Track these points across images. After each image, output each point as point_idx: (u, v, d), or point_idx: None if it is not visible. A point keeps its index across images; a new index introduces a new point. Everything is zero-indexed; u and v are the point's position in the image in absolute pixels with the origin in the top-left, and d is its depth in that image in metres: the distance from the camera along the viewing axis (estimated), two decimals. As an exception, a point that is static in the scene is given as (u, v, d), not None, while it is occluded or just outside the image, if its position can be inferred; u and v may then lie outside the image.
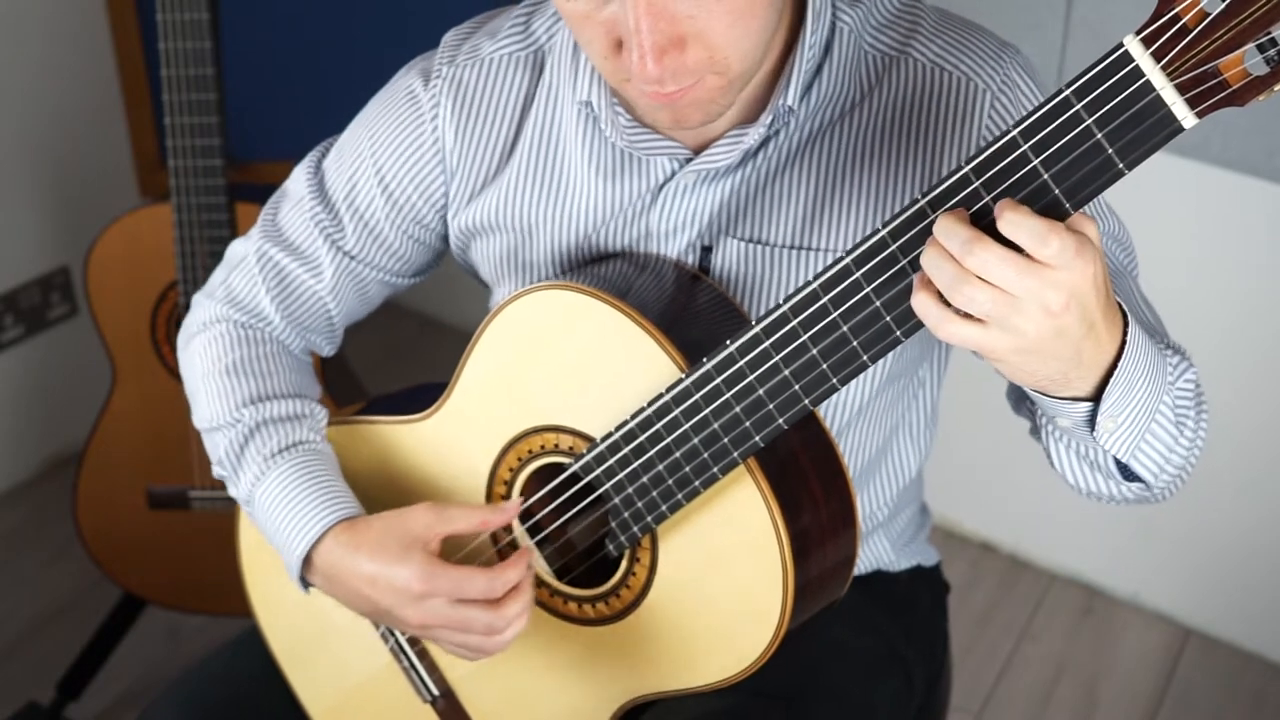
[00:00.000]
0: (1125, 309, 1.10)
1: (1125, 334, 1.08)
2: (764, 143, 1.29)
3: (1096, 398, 1.11)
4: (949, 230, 1.00)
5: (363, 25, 2.42)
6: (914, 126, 1.28)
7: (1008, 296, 1.00)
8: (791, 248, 1.30)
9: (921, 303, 1.04)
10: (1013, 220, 0.98)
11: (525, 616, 1.30)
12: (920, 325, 1.07)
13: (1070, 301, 1.00)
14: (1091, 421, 1.13)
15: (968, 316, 1.02)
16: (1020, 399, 1.34)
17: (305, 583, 1.39)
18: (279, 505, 1.38)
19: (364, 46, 2.40)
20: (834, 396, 1.35)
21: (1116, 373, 1.09)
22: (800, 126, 1.29)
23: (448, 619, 1.29)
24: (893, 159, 1.28)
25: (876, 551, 1.55)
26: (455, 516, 1.31)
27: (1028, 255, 0.99)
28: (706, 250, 1.32)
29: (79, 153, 2.87)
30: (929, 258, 1.02)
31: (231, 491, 1.45)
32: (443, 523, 1.30)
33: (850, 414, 1.38)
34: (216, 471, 1.46)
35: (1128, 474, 1.22)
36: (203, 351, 1.48)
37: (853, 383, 1.35)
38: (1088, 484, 1.26)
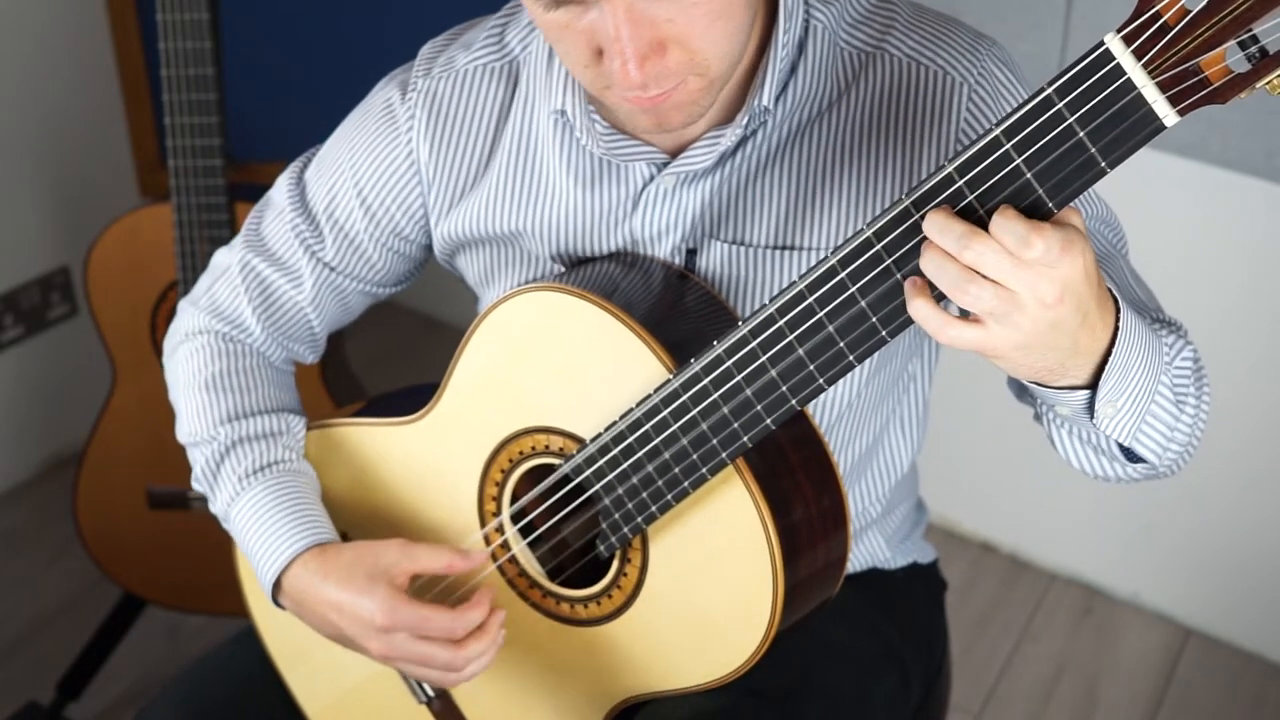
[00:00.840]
0: (1117, 295, 1.09)
1: (1118, 321, 1.08)
2: (741, 143, 1.29)
3: (1094, 385, 1.11)
4: (944, 227, 1.01)
5: (362, 25, 2.42)
6: (893, 121, 1.28)
7: (1008, 292, 1.00)
8: (775, 248, 1.30)
9: (921, 310, 1.04)
10: (997, 224, 0.99)
11: (488, 655, 1.33)
12: (905, 325, 1.07)
13: (1064, 293, 1.00)
14: (1090, 408, 1.13)
15: (966, 317, 1.03)
16: (1022, 389, 1.34)
17: (278, 603, 1.40)
18: (252, 527, 1.39)
19: (363, 47, 2.39)
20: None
21: (1111, 359, 1.09)
22: (778, 126, 1.29)
23: (407, 653, 1.31)
24: (873, 155, 1.28)
25: (871, 549, 1.54)
26: (423, 556, 1.32)
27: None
28: (691, 253, 1.32)
29: (79, 153, 2.87)
30: (930, 261, 1.02)
31: (211, 507, 1.46)
32: (410, 561, 1.32)
33: (839, 409, 1.38)
34: (195, 486, 1.47)
35: (1131, 456, 1.22)
36: (185, 363, 1.50)
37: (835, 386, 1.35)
38: (1093, 468, 1.26)
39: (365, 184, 1.43)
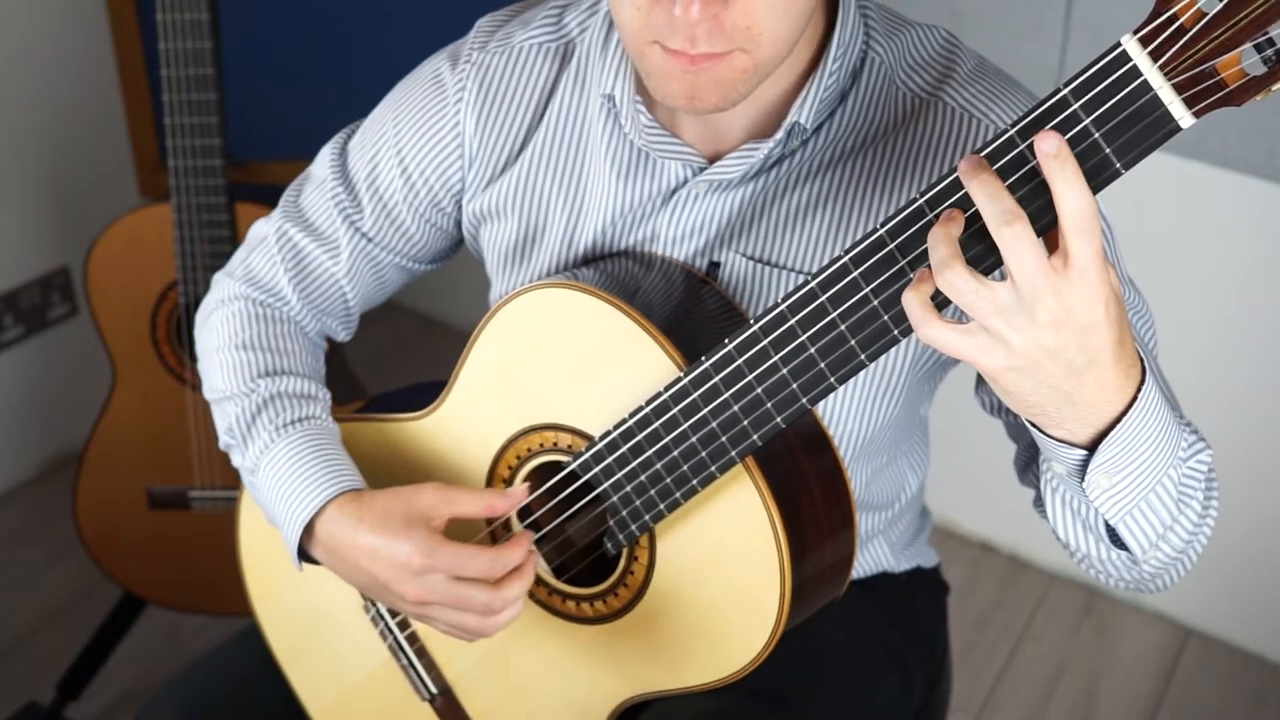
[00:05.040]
0: (1148, 366, 1.06)
1: (1140, 390, 1.05)
2: (780, 160, 1.29)
3: (1093, 449, 1.08)
4: (994, 193, 0.98)
5: (363, 25, 2.42)
6: (940, 168, 1.26)
7: (1017, 295, 0.97)
8: (799, 271, 1.30)
9: (911, 299, 1.03)
10: (1078, 183, 0.95)
11: (523, 600, 1.30)
12: None
13: (1067, 320, 0.98)
14: (1083, 472, 1.10)
15: (956, 322, 1.01)
16: (1026, 466, 1.33)
17: (302, 554, 1.38)
18: (285, 474, 1.37)
19: (364, 46, 2.40)
20: (834, 430, 1.36)
21: (1120, 426, 1.05)
22: (821, 150, 1.29)
23: (445, 595, 1.28)
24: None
25: (876, 556, 1.55)
26: (461, 499, 1.30)
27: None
28: (714, 265, 1.32)
29: (79, 153, 2.87)
30: (936, 232, 1.00)
31: (236, 461, 1.44)
32: (448, 504, 1.29)
33: (853, 450, 1.39)
34: (224, 440, 1.45)
35: (1117, 540, 1.18)
36: (219, 326, 1.48)
37: (854, 420, 1.35)
38: (1076, 541, 1.22)
39: (407, 153, 1.42)
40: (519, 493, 1.31)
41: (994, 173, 0.99)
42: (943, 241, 1.00)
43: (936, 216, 1.02)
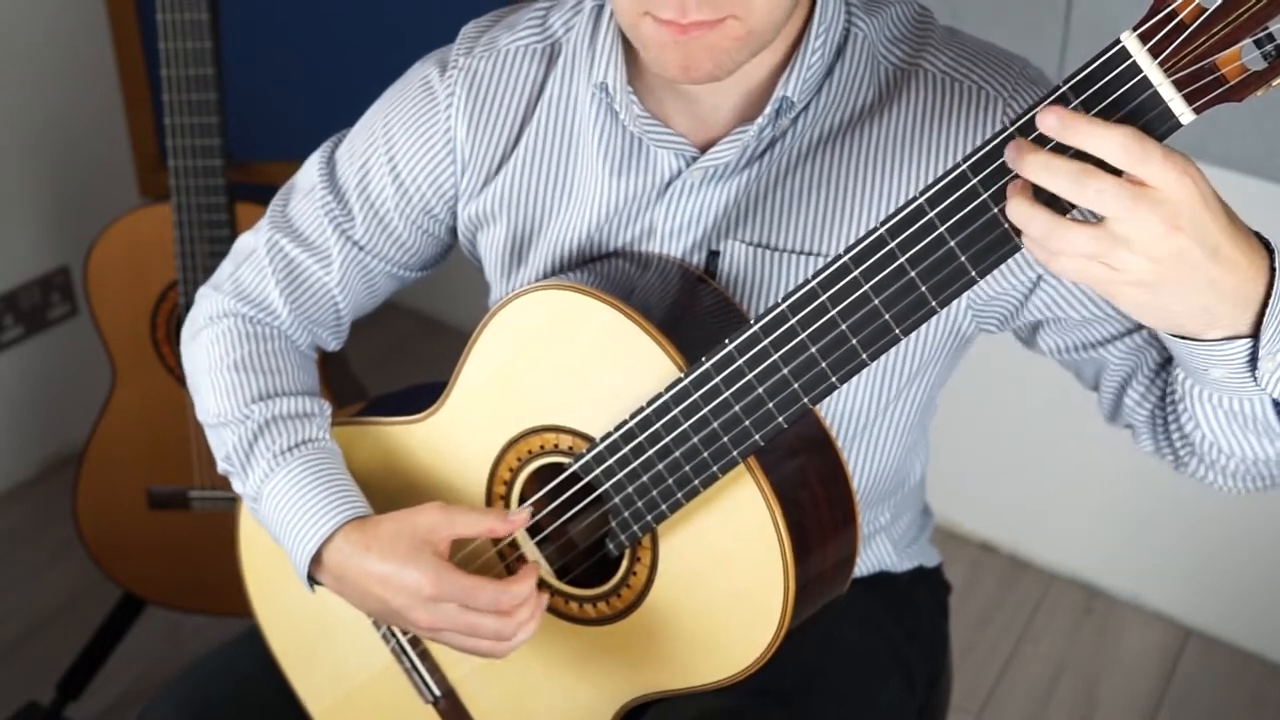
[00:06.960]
0: (1265, 238, 1.03)
1: (1274, 262, 1.02)
2: (771, 145, 1.29)
3: (1255, 334, 1.03)
4: (1049, 164, 0.95)
5: (363, 25, 2.42)
6: (929, 135, 1.27)
7: (1108, 235, 0.95)
8: (800, 253, 1.30)
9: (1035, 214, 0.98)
10: (1101, 136, 0.93)
11: (535, 622, 1.30)
12: (919, 323, 1.07)
13: (1181, 220, 0.95)
14: (1253, 362, 1.06)
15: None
16: (1116, 404, 1.32)
17: (312, 581, 1.38)
18: (288, 503, 1.37)
19: (364, 46, 2.40)
20: (838, 408, 1.36)
21: (1272, 302, 1.01)
22: (809, 128, 1.29)
23: (456, 623, 1.29)
24: (908, 168, 1.28)
25: (879, 554, 1.55)
26: (461, 521, 1.30)
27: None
28: (714, 254, 1.32)
29: (79, 153, 2.87)
30: (1020, 210, 0.97)
31: (237, 488, 1.44)
32: (449, 525, 1.30)
33: (856, 427, 1.39)
34: (222, 467, 1.45)
35: None
36: (209, 346, 1.48)
37: (858, 395, 1.35)
38: (1244, 449, 1.19)
39: (399, 159, 1.42)
40: (521, 516, 1.32)
41: (1036, 146, 0.96)
42: (1036, 217, 0.97)
43: (936, 213, 1.02)
